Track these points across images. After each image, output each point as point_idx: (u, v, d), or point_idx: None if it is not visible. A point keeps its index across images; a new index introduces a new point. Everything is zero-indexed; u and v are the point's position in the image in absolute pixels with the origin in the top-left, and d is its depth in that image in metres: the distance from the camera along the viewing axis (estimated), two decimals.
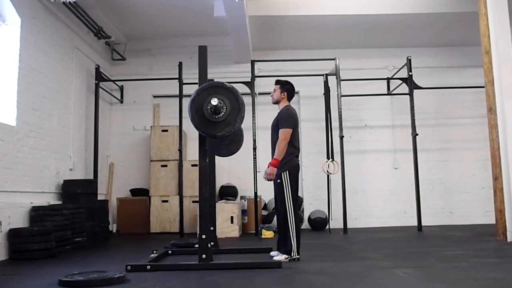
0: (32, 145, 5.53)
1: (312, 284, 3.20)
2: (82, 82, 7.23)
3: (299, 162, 4.37)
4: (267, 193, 7.10)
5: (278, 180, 4.20)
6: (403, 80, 7.68)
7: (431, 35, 8.26)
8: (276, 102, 4.47)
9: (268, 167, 4.17)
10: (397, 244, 5.58)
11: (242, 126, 4.35)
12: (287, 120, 4.25)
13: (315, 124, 8.19)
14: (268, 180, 4.21)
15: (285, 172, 4.18)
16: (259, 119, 7.34)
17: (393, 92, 8.34)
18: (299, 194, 8.01)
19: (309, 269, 3.73)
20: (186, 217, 7.42)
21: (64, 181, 6.20)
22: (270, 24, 7.72)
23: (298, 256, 4.11)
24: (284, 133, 4.19)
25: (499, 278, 3.24)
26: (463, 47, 8.61)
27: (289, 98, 4.47)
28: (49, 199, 5.84)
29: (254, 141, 7.15)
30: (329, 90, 7.54)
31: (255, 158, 7.14)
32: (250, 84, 7.34)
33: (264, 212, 7.85)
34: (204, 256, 3.71)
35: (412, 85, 7.51)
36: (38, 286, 3.25)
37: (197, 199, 5.72)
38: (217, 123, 3.75)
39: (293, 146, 4.25)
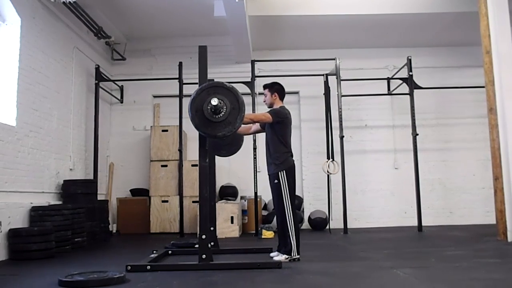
0: (32, 145, 5.53)
1: (312, 284, 3.20)
2: (82, 82, 7.22)
3: (295, 162, 4.36)
4: (267, 193, 6.99)
5: (276, 181, 4.20)
6: (403, 80, 7.68)
7: (431, 35, 8.25)
8: (270, 106, 4.52)
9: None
10: (398, 244, 5.58)
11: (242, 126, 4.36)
12: (275, 112, 4.30)
13: (315, 124, 8.19)
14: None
15: (282, 172, 4.18)
16: None
17: (393, 92, 8.34)
18: (300, 194, 8.06)
19: (309, 269, 3.73)
20: (186, 217, 7.41)
21: (64, 181, 6.20)
22: (270, 24, 7.72)
23: (298, 256, 4.10)
24: (264, 114, 4.26)
25: (500, 279, 3.24)
26: (463, 47, 8.59)
27: (281, 97, 4.51)
28: (49, 199, 5.84)
29: (254, 141, 7.14)
30: (329, 90, 7.53)
31: (255, 158, 7.14)
32: (250, 84, 7.34)
33: (264, 212, 7.85)
34: (204, 256, 3.71)
35: (412, 85, 7.51)
36: (38, 286, 3.25)
37: (197, 199, 5.72)
38: (217, 123, 3.75)
39: (285, 145, 4.26)
